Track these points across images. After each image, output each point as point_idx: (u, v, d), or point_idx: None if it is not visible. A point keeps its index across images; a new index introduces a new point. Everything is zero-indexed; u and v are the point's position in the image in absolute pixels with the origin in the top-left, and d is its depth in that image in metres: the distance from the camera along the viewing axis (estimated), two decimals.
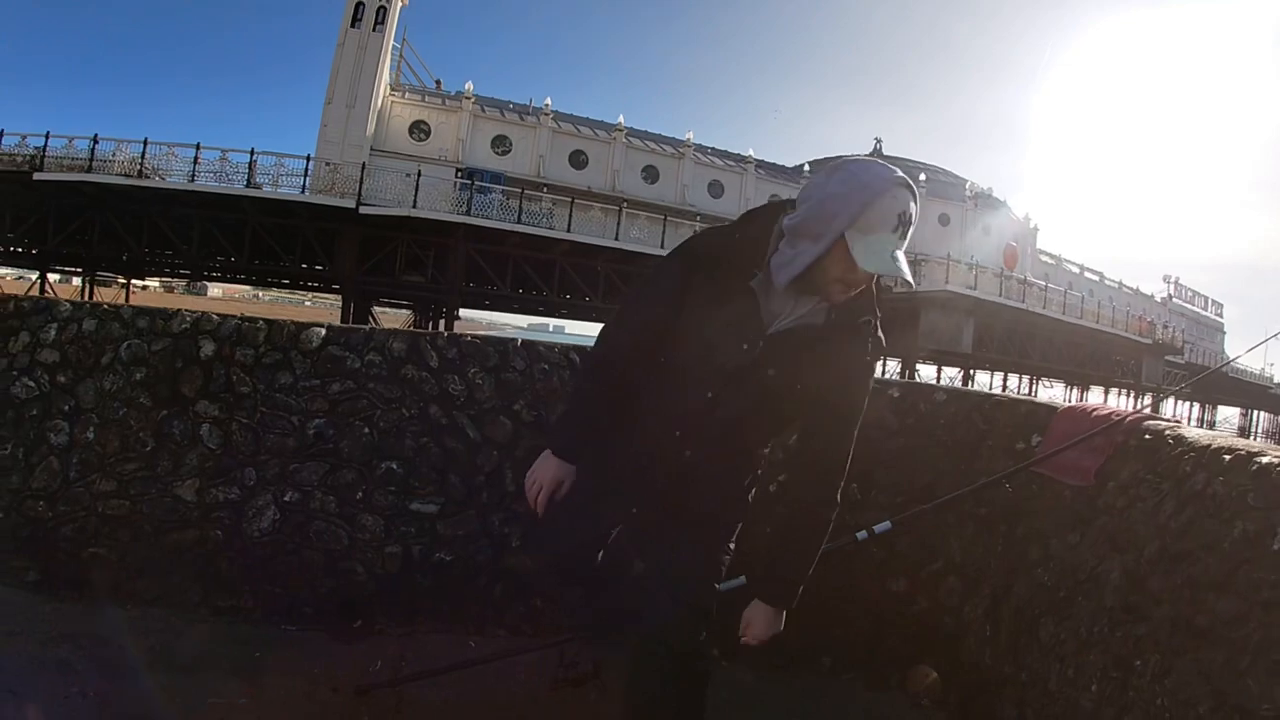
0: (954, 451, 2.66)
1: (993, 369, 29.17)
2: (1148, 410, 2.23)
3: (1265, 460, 1.56)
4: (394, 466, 2.56)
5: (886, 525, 2.18)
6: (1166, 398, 20.82)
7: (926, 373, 25.25)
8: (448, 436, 2.61)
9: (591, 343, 1.87)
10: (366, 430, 2.57)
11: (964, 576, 2.53)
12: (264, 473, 2.53)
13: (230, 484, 2.51)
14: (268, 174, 19.13)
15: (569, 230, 20.36)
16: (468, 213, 19.54)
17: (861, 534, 2.15)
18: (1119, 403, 24.91)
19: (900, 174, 1.49)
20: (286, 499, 2.53)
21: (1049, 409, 2.46)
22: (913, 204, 1.49)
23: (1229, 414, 46.00)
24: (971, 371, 29.29)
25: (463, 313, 23.85)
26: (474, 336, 2.78)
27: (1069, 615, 1.95)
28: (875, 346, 1.62)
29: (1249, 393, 40.31)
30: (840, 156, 1.66)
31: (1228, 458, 1.66)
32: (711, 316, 1.59)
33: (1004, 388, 27.92)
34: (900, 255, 1.47)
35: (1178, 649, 1.57)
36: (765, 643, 1.71)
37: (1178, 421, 2.11)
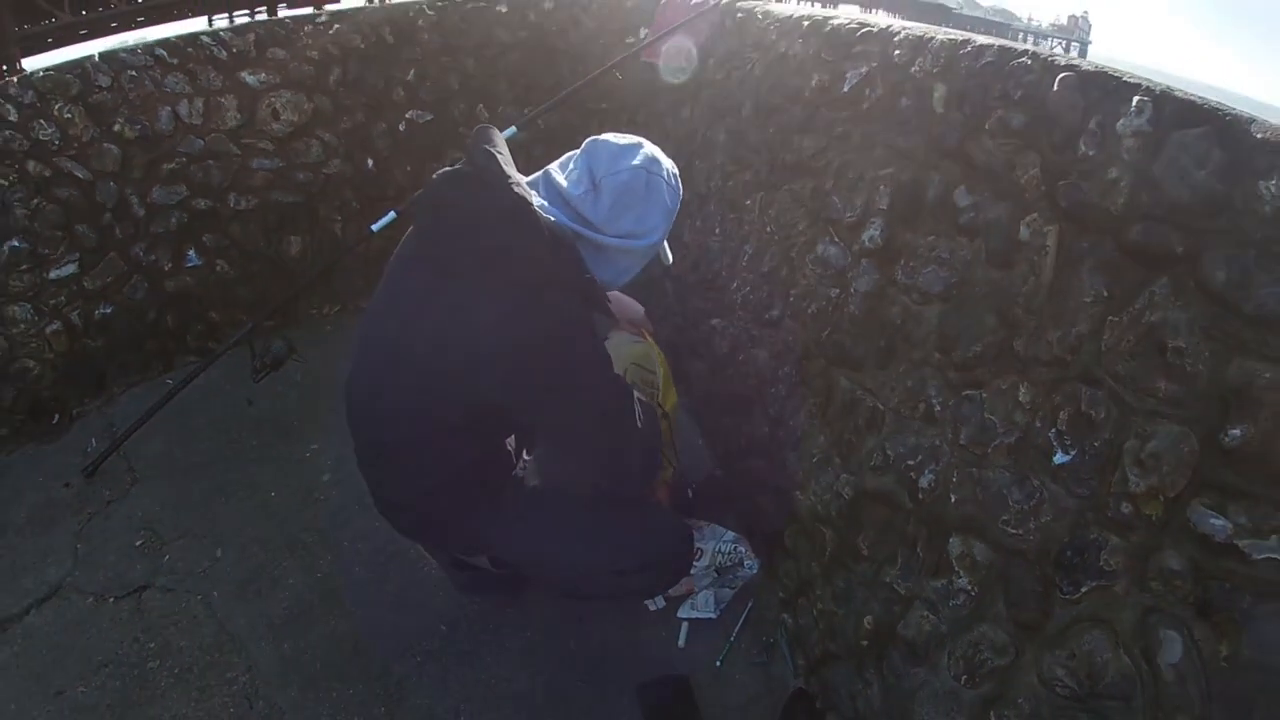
0: (570, 54, 2.78)
1: None
2: None
3: (836, 22, 1.76)
4: (15, 244, 2.18)
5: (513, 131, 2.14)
6: None
7: None
8: (56, 187, 2.24)
9: None
10: None
11: None
12: None
13: None
14: None
15: None
16: None
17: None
18: None
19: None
20: None
21: (654, 1, 2.56)
22: None
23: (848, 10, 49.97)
24: None
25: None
26: (49, 70, 2.27)
27: (689, 178, 2.13)
28: None
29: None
30: None
31: (806, 24, 1.86)
32: None
33: None
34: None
35: (776, 184, 1.87)
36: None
37: None
